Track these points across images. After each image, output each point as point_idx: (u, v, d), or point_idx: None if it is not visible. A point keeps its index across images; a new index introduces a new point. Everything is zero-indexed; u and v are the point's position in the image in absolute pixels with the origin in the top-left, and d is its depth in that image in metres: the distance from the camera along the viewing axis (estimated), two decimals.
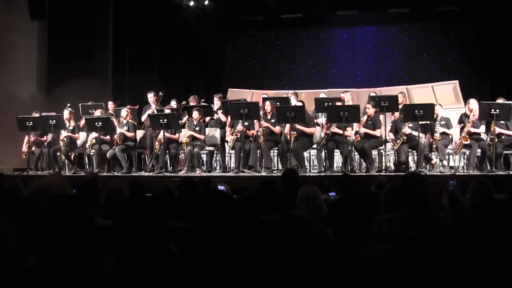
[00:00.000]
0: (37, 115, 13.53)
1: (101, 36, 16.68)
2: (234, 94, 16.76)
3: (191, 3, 18.36)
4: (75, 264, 3.01)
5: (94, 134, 13.18)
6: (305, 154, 12.76)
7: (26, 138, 13.55)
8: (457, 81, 16.04)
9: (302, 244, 1.59)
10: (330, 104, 12.53)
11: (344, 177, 8.27)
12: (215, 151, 13.34)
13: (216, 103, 13.85)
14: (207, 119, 13.61)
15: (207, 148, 13.18)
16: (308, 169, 12.75)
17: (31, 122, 13.13)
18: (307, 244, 1.60)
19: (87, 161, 13.79)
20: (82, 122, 13.69)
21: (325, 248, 1.62)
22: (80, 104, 14.38)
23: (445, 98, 15.26)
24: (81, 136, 13.82)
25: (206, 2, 18.29)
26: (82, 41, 16.15)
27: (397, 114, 12.66)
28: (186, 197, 5.70)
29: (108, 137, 13.34)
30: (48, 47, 16.32)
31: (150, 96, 14.03)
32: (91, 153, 13.44)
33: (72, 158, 13.76)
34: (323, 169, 12.26)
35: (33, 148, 13.79)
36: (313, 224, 1.66)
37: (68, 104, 13.81)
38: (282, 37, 19.64)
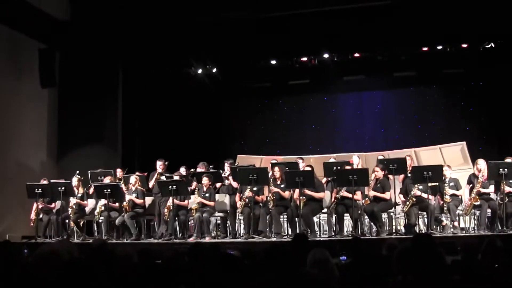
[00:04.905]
0: (45, 182, 13.56)
1: (111, 104, 16.80)
2: (243, 160, 16.75)
3: (200, 71, 18.54)
4: None
5: (103, 201, 13.16)
6: (315, 219, 12.67)
7: (35, 205, 13.55)
8: (464, 142, 16.05)
9: None
10: (339, 168, 12.54)
11: (355, 241, 8.19)
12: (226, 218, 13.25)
13: (227, 169, 13.85)
14: (218, 185, 13.57)
15: (217, 214, 13.13)
16: (318, 233, 12.65)
17: (39, 189, 13.19)
18: None
19: (96, 228, 13.76)
20: (91, 189, 13.64)
21: None
22: (89, 171, 14.39)
23: (453, 159, 15.27)
24: (90, 203, 13.77)
25: (214, 70, 18.47)
26: (92, 108, 16.28)
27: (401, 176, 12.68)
28: (196, 263, 5.65)
29: (117, 204, 13.34)
30: (58, 114, 16.49)
31: (160, 164, 13.97)
32: (100, 220, 13.40)
33: (81, 225, 13.66)
34: (333, 234, 12.18)
35: (41, 215, 13.73)
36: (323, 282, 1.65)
37: (77, 172, 13.81)
38: (289, 103, 19.69)
